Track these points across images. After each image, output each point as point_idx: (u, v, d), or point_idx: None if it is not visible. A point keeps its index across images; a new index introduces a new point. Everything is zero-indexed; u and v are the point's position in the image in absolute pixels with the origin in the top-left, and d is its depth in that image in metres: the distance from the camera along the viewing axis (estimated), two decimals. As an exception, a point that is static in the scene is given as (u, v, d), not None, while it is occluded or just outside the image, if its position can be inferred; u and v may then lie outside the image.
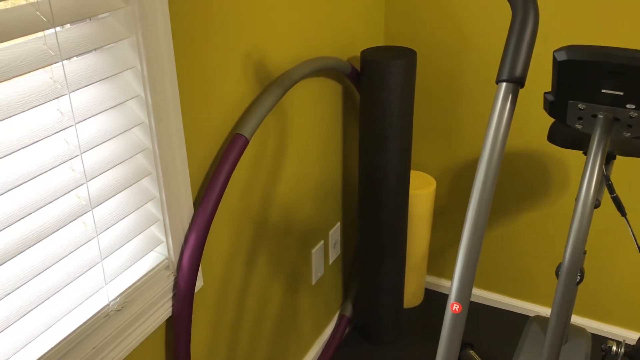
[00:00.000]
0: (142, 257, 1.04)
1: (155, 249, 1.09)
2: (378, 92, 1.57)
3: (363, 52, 1.59)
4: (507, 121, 0.76)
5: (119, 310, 1.01)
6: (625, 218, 1.07)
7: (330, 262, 1.85)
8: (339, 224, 1.84)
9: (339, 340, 1.92)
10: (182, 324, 1.11)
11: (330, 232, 1.80)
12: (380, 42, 1.89)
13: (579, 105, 0.77)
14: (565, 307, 0.98)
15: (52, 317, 0.88)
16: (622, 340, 1.40)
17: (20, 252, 0.80)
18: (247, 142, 1.16)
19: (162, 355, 1.13)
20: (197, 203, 1.14)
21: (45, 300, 0.85)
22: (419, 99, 1.93)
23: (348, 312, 1.97)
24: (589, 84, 0.73)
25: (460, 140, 1.92)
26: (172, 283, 1.10)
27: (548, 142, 1.80)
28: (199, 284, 1.19)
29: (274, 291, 1.54)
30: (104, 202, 0.93)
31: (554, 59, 0.79)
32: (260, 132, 1.32)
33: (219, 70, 1.14)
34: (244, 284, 1.38)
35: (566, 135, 1.20)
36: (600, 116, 0.77)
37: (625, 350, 1.36)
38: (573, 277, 1.00)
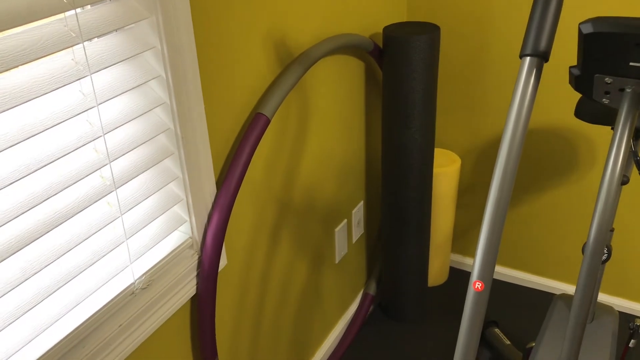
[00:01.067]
0: (166, 237, 1.05)
1: (179, 229, 1.10)
2: (401, 69, 1.55)
3: (385, 29, 1.57)
4: (530, 96, 0.74)
5: (145, 288, 1.03)
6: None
7: (354, 240, 1.85)
8: (362, 202, 1.84)
9: (363, 318, 1.93)
10: (207, 303, 1.13)
11: (354, 211, 1.80)
12: (403, 18, 1.86)
13: (606, 79, 0.75)
14: (590, 285, 0.96)
15: (79, 296, 0.90)
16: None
17: (47, 232, 0.81)
18: (268, 121, 1.16)
19: (187, 334, 1.15)
20: (220, 182, 1.15)
21: (72, 279, 0.87)
22: (443, 75, 1.90)
23: (372, 290, 1.98)
24: (616, 57, 0.71)
25: (485, 117, 1.89)
26: (197, 262, 1.12)
27: (575, 118, 1.76)
28: (223, 262, 1.20)
29: (298, 270, 1.55)
30: (127, 182, 0.94)
31: (580, 31, 0.77)
32: (281, 111, 1.31)
33: (240, 49, 1.13)
34: (267, 262, 1.40)
35: (593, 110, 1.17)
36: (628, 90, 0.75)
37: (653, 329, 1.34)
38: (598, 255, 0.98)
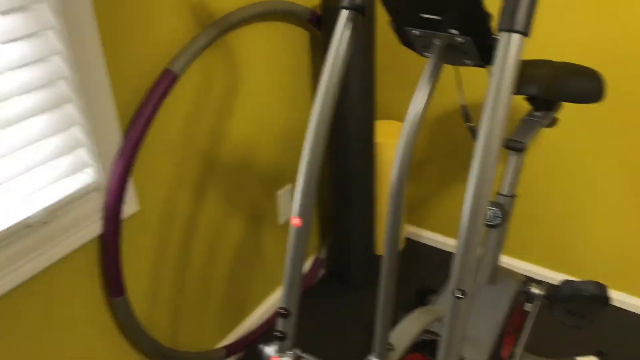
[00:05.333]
0: (68, 177, 1.15)
1: (85, 171, 1.20)
2: (336, 38, 1.61)
3: (324, -2, 1.62)
4: (344, 45, 0.80)
5: (46, 222, 1.13)
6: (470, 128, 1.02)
7: (301, 205, 1.92)
8: (309, 169, 1.91)
9: (311, 281, 2.01)
10: (110, 243, 1.22)
11: (299, 176, 1.87)
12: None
13: (414, 31, 0.80)
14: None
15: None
16: (543, 281, 1.41)
17: None
18: (175, 77, 1.24)
19: (95, 270, 1.26)
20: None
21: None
22: (386, 46, 1.94)
23: (322, 254, 2.05)
24: (408, 8, 0.76)
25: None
26: (103, 205, 1.22)
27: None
28: (134, 208, 1.30)
29: (231, 226, 1.63)
30: (25, 120, 1.04)
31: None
32: (200, 71, 1.39)
33: (151, 9, 1.21)
34: (192, 215, 1.48)
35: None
36: (436, 43, 0.79)
37: (545, 292, 1.38)
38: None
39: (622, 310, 1.88)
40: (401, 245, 2.22)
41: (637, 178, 1.68)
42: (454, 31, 0.76)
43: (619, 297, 1.89)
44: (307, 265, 2.05)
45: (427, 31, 0.79)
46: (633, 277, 1.84)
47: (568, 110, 1.71)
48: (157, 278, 1.44)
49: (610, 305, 1.90)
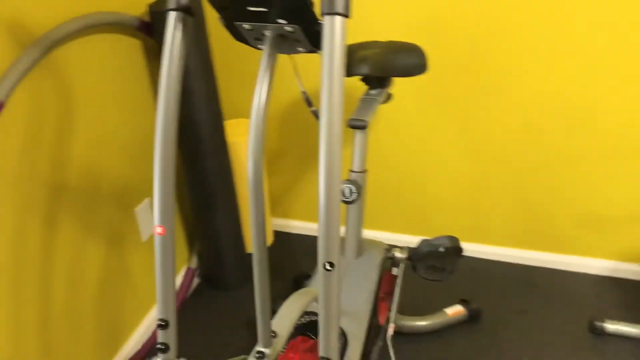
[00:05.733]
0: None
1: None
2: (170, 44, 1.59)
3: (151, 5, 1.59)
4: (178, 47, 0.80)
5: None
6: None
7: (163, 217, 1.88)
8: (166, 179, 1.87)
9: (186, 292, 1.98)
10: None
11: (156, 189, 1.82)
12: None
13: (244, 25, 0.82)
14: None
15: None
16: (405, 246, 1.53)
17: None
18: (1, 104, 1.15)
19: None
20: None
21: None
22: (221, 44, 1.96)
23: (193, 263, 2.02)
24: (235, 3, 0.78)
25: (277, 81, 1.97)
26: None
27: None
28: (-23, 251, 1.19)
29: (94, 252, 1.55)
30: None
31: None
32: (28, 96, 1.30)
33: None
34: (48, 246, 1.39)
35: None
36: (268, 34, 0.83)
37: (407, 254, 1.49)
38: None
39: (476, 259, 2.08)
40: (270, 239, 2.26)
41: (468, 137, 1.86)
42: (282, 21, 0.79)
43: (471, 248, 2.08)
44: (180, 277, 2.01)
45: (257, 24, 0.81)
46: (480, 227, 2.04)
47: (400, 85, 1.84)
48: (18, 318, 1.33)
49: (464, 255, 2.09)
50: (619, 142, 1.71)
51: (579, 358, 1.63)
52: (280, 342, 1.01)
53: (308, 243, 2.24)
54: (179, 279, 2.00)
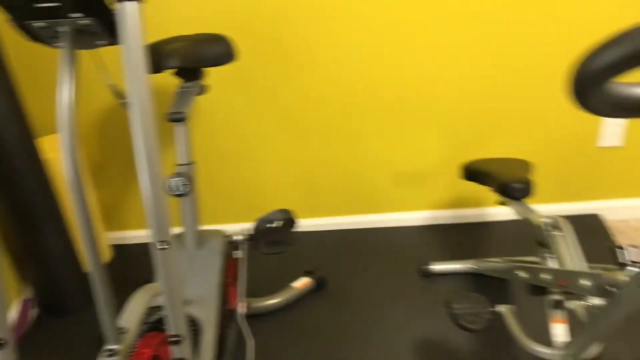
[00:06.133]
0: None
1: None
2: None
3: None
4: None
5: None
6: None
7: (-18, 251, 1.73)
8: (-22, 209, 1.73)
9: (24, 326, 1.85)
10: None
11: (-31, 221, 1.68)
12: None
13: (37, 24, 0.81)
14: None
15: None
16: (243, 230, 1.59)
17: None
18: None
19: None
20: None
21: None
22: (21, 57, 1.86)
23: (29, 294, 1.89)
24: (24, 2, 0.77)
25: (81, 92, 1.91)
26: None
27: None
28: None
29: None
30: None
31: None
32: None
33: None
34: None
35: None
36: (63, 31, 0.82)
37: (246, 235, 1.56)
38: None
39: (312, 232, 2.21)
40: (108, 253, 2.18)
41: (287, 116, 1.96)
42: (76, 15, 0.80)
43: (307, 223, 2.21)
44: (15, 311, 1.87)
45: (50, 20, 0.81)
46: (312, 202, 2.17)
47: (215, 75, 1.89)
48: None
49: (298, 224, 2.20)
50: (421, 104, 1.93)
51: (414, 299, 1.82)
52: (130, 336, 1.01)
53: (150, 251, 2.20)
54: (14, 313, 1.86)
